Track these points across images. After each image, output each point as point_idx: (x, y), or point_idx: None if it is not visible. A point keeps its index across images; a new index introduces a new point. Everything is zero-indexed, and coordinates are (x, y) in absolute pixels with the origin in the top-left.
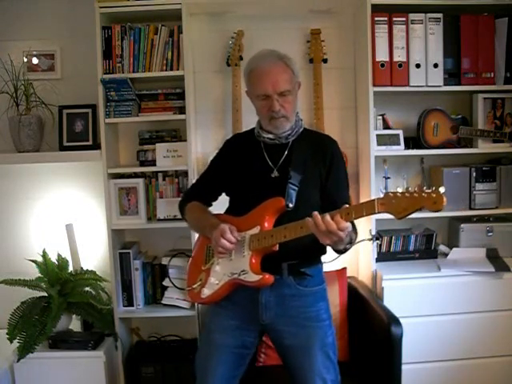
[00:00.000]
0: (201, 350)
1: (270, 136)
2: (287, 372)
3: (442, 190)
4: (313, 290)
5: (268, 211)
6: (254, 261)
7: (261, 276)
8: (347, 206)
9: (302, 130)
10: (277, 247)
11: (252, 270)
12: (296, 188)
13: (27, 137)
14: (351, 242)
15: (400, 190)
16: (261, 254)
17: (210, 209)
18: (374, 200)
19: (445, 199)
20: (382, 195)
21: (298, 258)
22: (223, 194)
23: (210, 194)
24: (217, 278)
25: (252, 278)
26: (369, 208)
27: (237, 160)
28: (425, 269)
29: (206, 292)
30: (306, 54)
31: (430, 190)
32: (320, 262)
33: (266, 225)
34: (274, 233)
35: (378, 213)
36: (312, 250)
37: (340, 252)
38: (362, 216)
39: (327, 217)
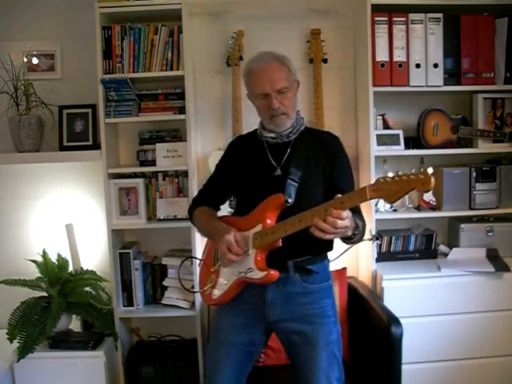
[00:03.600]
0: (210, 349)
1: (272, 135)
2: (292, 369)
3: (430, 170)
4: (319, 286)
5: (268, 208)
6: (259, 258)
7: (266, 272)
8: (339, 195)
9: (303, 128)
10: (280, 243)
11: (257, 267)
12: (296, 184)
13: (27, 137)
14: (357, 226)
15: (391, 174)
16: (265, 250)
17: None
18: (365, 187)
19: (433, 179)
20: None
21: (303, 256)
22: None
23: (217, 197)
24: (225, 279)
25: (258, 274)
26: (361, 195)
27: (241, 161)
28: (425, 269)
29: (217, 293)
30: (305, 54)
31: (417, 172)
32: (326, 259)
33: (267, 222)
34: (275, 229)
35: (371, 199)
36: (317, 247)
37: (350, 239)
38: (355, 203)
39: (329, 218)
